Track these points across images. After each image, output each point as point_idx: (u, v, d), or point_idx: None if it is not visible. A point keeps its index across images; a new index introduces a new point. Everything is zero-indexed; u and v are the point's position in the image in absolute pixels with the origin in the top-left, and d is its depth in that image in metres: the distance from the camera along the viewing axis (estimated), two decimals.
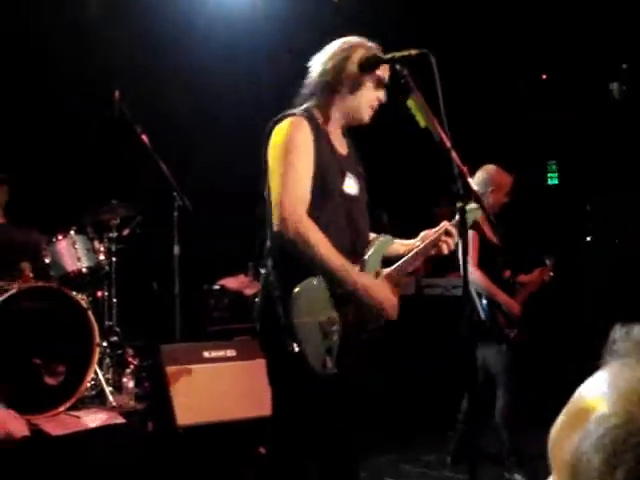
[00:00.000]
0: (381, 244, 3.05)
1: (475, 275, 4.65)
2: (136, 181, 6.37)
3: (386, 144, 7.05)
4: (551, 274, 5.23)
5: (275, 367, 2.91)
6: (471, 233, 4.50)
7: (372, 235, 3.12)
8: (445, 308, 5.53)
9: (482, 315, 4.75)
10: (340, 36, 2.99)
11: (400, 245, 3.16)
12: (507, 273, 4.99)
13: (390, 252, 3.12)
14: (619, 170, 7.48)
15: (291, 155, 2.78)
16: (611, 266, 7.14)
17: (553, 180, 8.83)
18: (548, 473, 0.87)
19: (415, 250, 3.05)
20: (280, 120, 2.87)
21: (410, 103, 2.66)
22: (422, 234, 3.12)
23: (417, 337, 6.70)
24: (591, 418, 0.80)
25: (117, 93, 5.76)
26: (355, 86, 2.90)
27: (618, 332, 0.88)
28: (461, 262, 4.59)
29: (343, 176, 2.94)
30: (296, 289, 2.74)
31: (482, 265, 4.70)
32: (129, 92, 5.84)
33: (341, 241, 2.82)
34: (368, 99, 2.93)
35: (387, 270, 3.03)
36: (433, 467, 5.05)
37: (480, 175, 4.87)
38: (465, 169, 2.57)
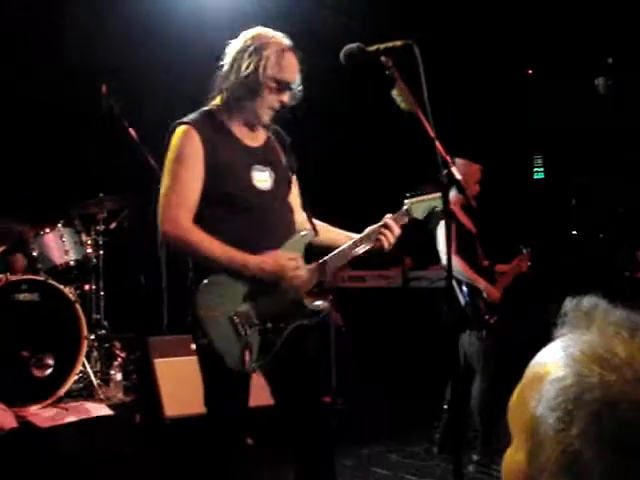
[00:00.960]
0: (295, 242, 3.03)
1: (454, 262, 4.68)
2: (124, 174, 6.36)
3: (369, 134, 7.08)
4: (528, 264, 5.27)
5: (198, 361, 3.00)
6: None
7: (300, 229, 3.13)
8: (431, 300, 5.55)
9: (462, 301, 4.82)
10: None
11: (343, 236, 3.17)
12: (485, 262, 5.04)
13: (328, 243, 3.13)
14: (605, 165, 7.53)
15: (176, 166, 2.87)
16: (593, 258, 7.19)
17: (539, 174, 8.89)
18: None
19: (352, 241, 3.06)
20: (177, 125, 2.93)
21: (395, 94, 2.69)
22: (367, 229, 3.12)
23: (404, 329, 6.74)
24: (545, 383, 0.84)
25: (104, 87, 5.77)
26: (256, 91, 2.92)
27: (569, 304, 0.92)
28: (444, 250, 4.68)
29: (250, 170, 2.97)
30: (202, 283, 2.82)
31: (460, 252, 4.74)
32: (116, 85, 5.85)
33: (242, 237, 2.85)
34: (268, 103, 2.95)
35: (323, 259, 3.03)
36: (420, 457, 5.09)
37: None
38: (449, 158, 2.60)
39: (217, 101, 3.01)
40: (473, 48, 7.60)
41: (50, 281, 5.25)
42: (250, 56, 2.92)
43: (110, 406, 5.12)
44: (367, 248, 3.06)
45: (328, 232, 3.19)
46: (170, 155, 2.90)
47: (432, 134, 2.60)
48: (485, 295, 4.81)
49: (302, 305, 2.97)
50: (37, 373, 5.08)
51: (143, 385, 5.37)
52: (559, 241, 7.65)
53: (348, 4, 6.81)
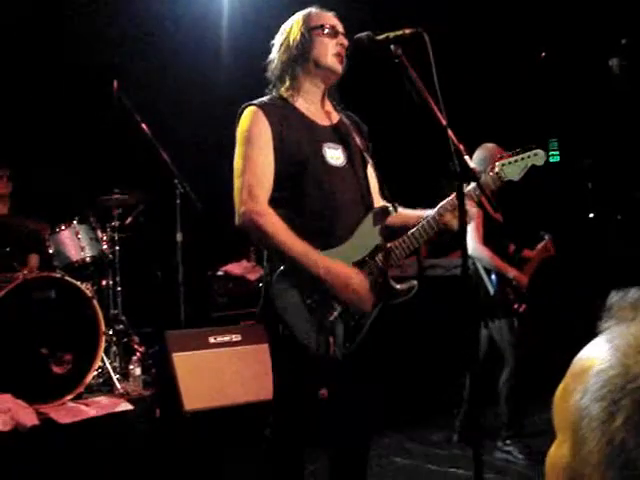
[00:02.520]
0: (373, 217, 2.94)
1: (481, 251, 4.74)
2: (137, 170, 6.37)
3: (382, 124, 7.04)
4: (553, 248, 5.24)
5: (272, 351, 2.89)
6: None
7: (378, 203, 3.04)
8: (447, 288, 5.54)
9: (490, 290, 4.78)
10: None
11: (414, 215, 3.02)
12: (511, 248, 5.02)
13: (400, 221, 3.01)
14: (620, 146, 7.46)
15: (247, 148, 2.81)
16: (612, 242, 7.14)
17: (555, 158, 8.83)
18: (545, 450, 0.90)
19: (421, 224, 2.92)
20: (245, 107, 2.90)
21: (405, 82, 2.66)
22: (438, 206, 2.97)
23: (420, 317, 6.71)
24: (590, 375, 0.84)
25: (116, 83, 5.77)
26: (306, 47, 2.92)
27: (614, 296, 0.92)
28: (472, 237, 4.65)
29: (321, 147, 2.91)
30: (277, 272, 2.74)
31: (487, 241, 4.76)
32: (128, 81, 5.85)
33: (316, 216, 2.81)
34: (325, 49, 2.92)
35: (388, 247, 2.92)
36: (440, 446, 5.08)
37: (479, 153, 4.92)
38: (462, 147, 2.57)
39: (280, 87, 2.98)
40: (485, 32, 7.54)
41: (67, 278, 5.26)
42: (294, 23, 2.97)
43: (130, 401, 5.14)
44: (435, 232, 2.94)
45: (401, 213, 3.05)
46: (239, 137, 2.85)
47: (444, 122, 2.57)
48: (515, 283, 4.78)
49: (388, 286, 2.89)
50: (56, 370, 5.10)
51: (162, 379, 5.39)
52: (577, 225, 7.60)
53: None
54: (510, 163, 3.04)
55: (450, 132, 2.56)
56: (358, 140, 3.08)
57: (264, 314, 2.84)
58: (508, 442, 4.77)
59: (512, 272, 4.79)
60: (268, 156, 2.81)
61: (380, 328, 2.88)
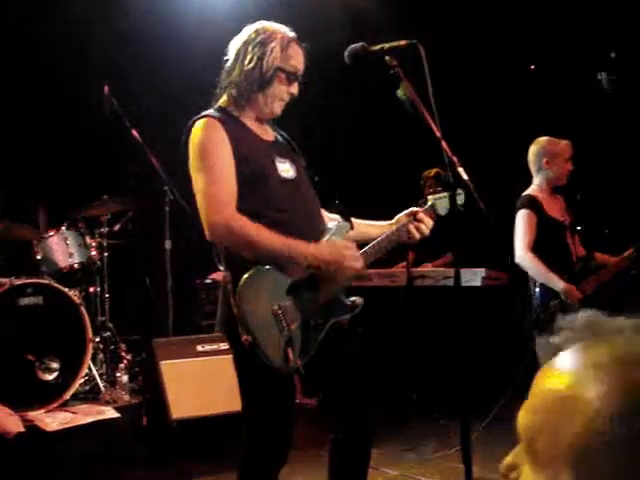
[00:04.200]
0: (337, 232, 2.94)
1: (525, 259, 4.40)
2: (127, 176, 6.36)
3: (376, 135, 7.07)
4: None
5: (236, 362, 2.86)
6: (525, 212, 4.31)
7: (329, 218, 3.06)
8: (435, 299, 5.52)
9: (534, 303, 4.45)
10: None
11: (372, 227, 3.10)
12: (581, 251, 4.62)
13: (360, 236, 3.03)
14: (608, 159, 7.50)
15: (208, 159, 2.77)
16: None
17: None
18: None
19: (386, 234, 2.98)
20: (196, 120, 2.86)
21: (400, 94, 2.67)
22: (397, 217, 3.07)
23: (410, 328, 6.72)
24: (585, 401, 0.82)
25: (106, 88, 5.76)
26: (265, 82, 2.87)
27: (562, 321, 0.93)
28: (519, 244, 4.35)
29: (273, 161, 2.91)
30: (242, 279, 2.68)
31: (542, 246, 4.39)
32: (118, 87, 5.84)
33: (283, 228, 2.76)
34: (279, 94, 2.90)
35: (363, 250, 2.94)
36: (432, 458, 5.05)
37: (532, 149, 4.65)
38: (455, 159, 2.58)
39: (224, 99, 2.95)
40: (475, 45, 7.58)
41: (54, 284, 5.24)
42: (254, 48, 2.87)
43: (116, 408, 5.11)
44: (397, 241, 3.01)
45: (359, 225, 3.09)
46: (196, 151, 2.79)
47: (438, 134, 2.58)
48: (563, 297, 4.36)
49: (340, 300, 2.90)
50: (43, 377, 5.07)
51: (149, 387, 5.37)
52: None
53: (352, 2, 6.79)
54: (440, 198, 3.08)
55: (444, 143, 2.57)
56: (297, 156, 3.09)
57: (225, 323, 2.80)
58: None
59: (560, 283, 4.34)
60: (230, 165, 2.78)
61: (329, 342, 2.86)
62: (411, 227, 2.99)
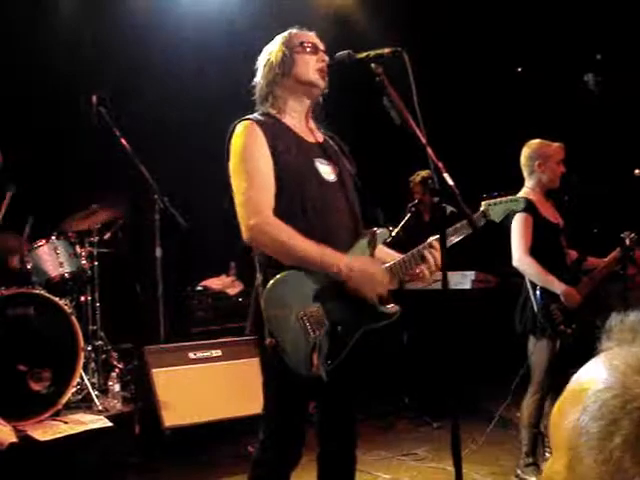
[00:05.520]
0: (370, 239, 2.93)
1: (525, 263, 4.34)
2: (117, 185, 6.35)
3: (363, 142, 7.07)
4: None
5: (262, 363, 2.90)
6: (522, 216, 4.26)
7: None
8: (426, 302, 5.51)
9: (535, 307, 4.36)
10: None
11: (386, 254, 3.04)
12: (572, 254, 4.59)
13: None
14: (598, 161, 7.53)
15: (247, 163, 2.81)
16: None
17: None
18: None
19: (402, 258, 2.93)
20: (237, 124, 2.90)
21: (385, 101, 2.69)
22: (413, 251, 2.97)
23: (402, 332, 6.73)
24: (588, 394, 0.85)
25: (94, 98, 5.75)
26: (288, 66, 2.94)
27: (614, 320, 0.94)
28: (517, 247, 4.28)
29: (313, 162, 2.94)
30: (271, 281, 2.72)
31: (539, 250, 4.35)
32: (108, 96, 5.84)
33: (317, 230, 2.79)
34: (307, 65, 2.95)
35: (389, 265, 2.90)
36: (425, 461, 5.07)
37: (524, 152, 4.61)
38: (441, 165, 2.60)
39: (266, 105, 2.99)
40: (462, 49, 7.61)
41: (45, 294, 5.24)
42: (274, 49, 3.00)
43: (109, 417, 5.11)
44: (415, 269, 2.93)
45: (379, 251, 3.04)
46: (237, 153, 2.84)
47: (423, 140, 2.60)
48: (563, 299, 4.31)
49: (374, 308, 2.87)
50: (35, 387, 5.07)
51: (141, 395, 5.36)
52: None
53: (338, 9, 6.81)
54: (496, 204, 3.08)
55: (430, 150, 2.58)
56: (345, 160, 3.11)
57: (253, 324, 2.84)
58: (526, 470, 4.48)
59: (560, 287, 4.30)
60: (268, 169, 2.82)
61: (362, 349, 2.87)
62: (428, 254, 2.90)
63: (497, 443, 5.08)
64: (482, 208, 3.07)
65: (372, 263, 2.85)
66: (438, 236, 2.83)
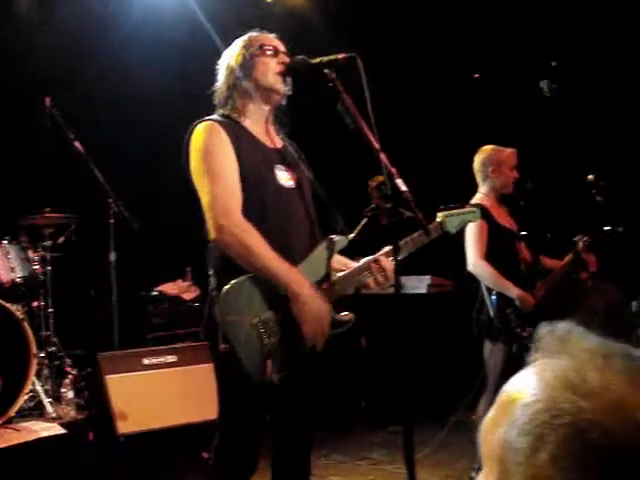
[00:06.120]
0: (323, 250, 2.92)
1: (480, 267, 4.37)
2: (70, 188, 6.27)
3: (317, 148, 7.07)
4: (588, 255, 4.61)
5: (216, 369, 2.87)
6: (477, 222, 4.15)
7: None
8: (382, 306, 5.52)
9: (490, 312, 4.37)
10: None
11: (339, 262, 3.01)
12: (527, 257, 4.59)
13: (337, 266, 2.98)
14: (553, 167, 7.61)
15: (211, 161, 2.79)
16: None
17: None
18: None
19: (354, 268, 2.93)
20: (197, 124, 2.88)
21: (339, 107, 2.69)
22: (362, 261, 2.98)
23: (359, 336, 6.74)
24: (517, 406, 0.83)
25: (48, 100, 5.69)
26: (248, 68, 2.93)
27: (543, 329, 0.91)
28: (471, 253, 4.33)
29: (273, 168, 2.92)
30: (226, 287, 2.69)
31: (494, 255, 4.37)
32: (60, 98, 5.77)
33: (275, 237, 2.77)
34: (266, 68, 2.94)
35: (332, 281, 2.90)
36: (384, 463, 5.09)
37: (478, 158, 4.64)
38: (394, 170, 2.60)
39: (227, 108, 2.97)
40: (417, 55, 7.65)
41: None
42: (234, 52, 2.99)
43: (62, 425, 5.04)
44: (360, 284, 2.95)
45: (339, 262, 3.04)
46: (198, 153, 2.80)
47: (377, 146, 2.60)
48: (518, 303, 4.31)
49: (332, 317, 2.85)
50: None
51: (95, 402, 5.30)
52: None
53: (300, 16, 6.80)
54: (452, 216, 3.09)
55: (383, 156, 2.59)
56: (302, 167, 3.10)
57: (207, 330, 2.81)
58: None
59: (514, 291, 4.31)
60: (233, 169, 2.80)
61: (318, 354, 2.83)
62: (370, 271, 2.90)
63: (452, 446, 5.10)
64: (439, 219, 3.08)
65: (327, 309, 2.80)
66: (387, 249, 2.85)
